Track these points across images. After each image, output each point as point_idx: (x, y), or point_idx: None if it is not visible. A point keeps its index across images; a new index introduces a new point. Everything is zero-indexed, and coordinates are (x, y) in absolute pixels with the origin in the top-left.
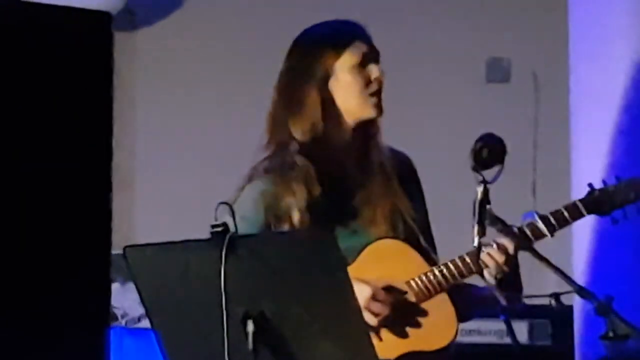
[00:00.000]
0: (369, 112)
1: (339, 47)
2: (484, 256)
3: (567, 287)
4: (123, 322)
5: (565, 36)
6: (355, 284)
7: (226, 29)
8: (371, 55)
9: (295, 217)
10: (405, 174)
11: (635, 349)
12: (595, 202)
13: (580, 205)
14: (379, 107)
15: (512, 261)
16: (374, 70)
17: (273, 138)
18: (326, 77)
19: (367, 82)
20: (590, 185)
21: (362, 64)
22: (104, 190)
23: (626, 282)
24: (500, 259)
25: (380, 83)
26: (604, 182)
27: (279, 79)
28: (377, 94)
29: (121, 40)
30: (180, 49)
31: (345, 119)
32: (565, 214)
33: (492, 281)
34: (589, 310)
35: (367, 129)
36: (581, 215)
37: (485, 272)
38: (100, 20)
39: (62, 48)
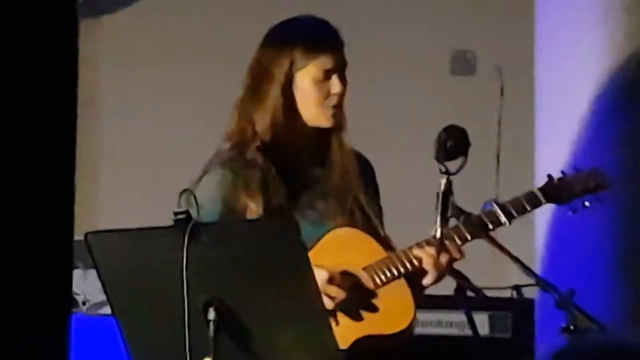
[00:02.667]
0: (324, 123)
1: (305, 57)
2: (419, 252)
3: (529, 280)
4: (84, 309)
5: (530, 29)
6: (313, 269)
7: (192, 16)
8: (336, 69)
9: (253, 212)
10: (365, 174)
11: (596, 342)
12: (554, 190)
13: (538, 193)
14: (335, 118)
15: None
16: (335, 85)
17: (237, 128)
18: (290, 82)
19: (327, 95)
20: (549, 175)
21: (325, 78)
22: (67, 176)
23: (589, 275)
24: (438, 256)
25: (340, 97)
26: (562, 172)
27: (248, 71)
28: (336, 107)
29: (86, 26)
30: (146, 35)
31: (303, 122)
32: (524, 202)
33: (430, 277)
34: (550, 303)
35: (330, 130)
36: (539, 204)
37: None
38: (65, 6)
39: (24, 33)
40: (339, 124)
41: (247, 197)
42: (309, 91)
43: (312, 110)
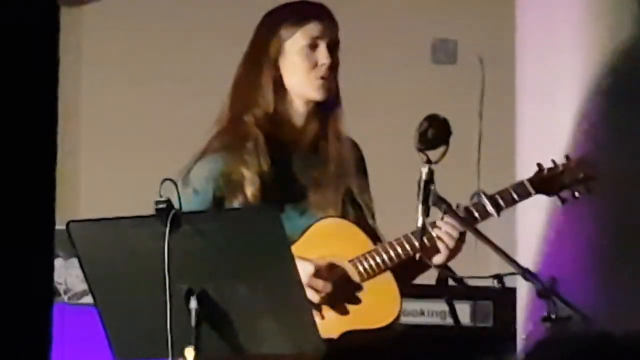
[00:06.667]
0: (312, 94)
1: (292, 27)
2: (437, 230)
3: (510, 269)
4: (65, 298)
5: (512, 18)
6: (298, 262)
7: (174, 6)
8: (325, 40)
9: (249, 191)
10: (358, 162)
11: (578, 331)
12: (543, 181)
13: (528, 184)
14: (324, 90)
15: (462, 238)
16: (322, 55)
17: (232, 109)
18: (277, 55)
19: (314, 66)
20: (539, 164)
21: (312, 47)
22: (48, 165)
23: (571, 263)
24: (453, 232)
25: (329, 69)
26: (553, 161)
27: (241, 62)
28: (324, 78)
29: (67, 15)
30: (128, 23)
31: (293, 99)
32: (513, 193)
33: (443, 256)
34: (532, 292)
35: (326, 115)
36: (529, 195)
37: (440, 245)
38: None
39: (4, 21)
40: (329, 98)
41: (244, 169)
42: (296, 61)
43: (298, 81)
